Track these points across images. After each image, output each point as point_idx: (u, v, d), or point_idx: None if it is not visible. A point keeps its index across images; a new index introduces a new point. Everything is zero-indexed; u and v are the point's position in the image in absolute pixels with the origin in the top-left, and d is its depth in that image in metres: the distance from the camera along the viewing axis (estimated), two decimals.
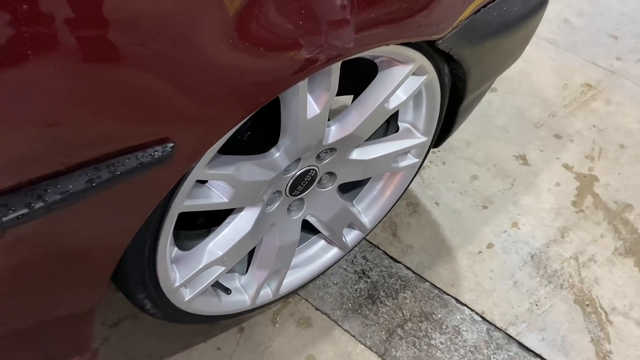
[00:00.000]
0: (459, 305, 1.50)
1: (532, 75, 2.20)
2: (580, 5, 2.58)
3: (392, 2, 0.86)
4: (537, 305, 1.51)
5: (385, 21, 0.86)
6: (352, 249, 1.49)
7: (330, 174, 1.23)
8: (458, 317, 1.48)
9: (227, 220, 1.10)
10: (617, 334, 1.47)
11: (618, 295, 1.55)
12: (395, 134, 1.28)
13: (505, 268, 1.59)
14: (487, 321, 1.47)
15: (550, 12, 2.50)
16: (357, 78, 1.15)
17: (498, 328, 1.46)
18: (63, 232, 0.74)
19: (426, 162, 1.82)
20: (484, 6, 1.08)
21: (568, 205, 1.76)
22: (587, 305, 1.53)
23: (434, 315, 1.47)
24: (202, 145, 0.82)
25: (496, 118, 2.02)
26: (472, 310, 1.49)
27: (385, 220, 1.64)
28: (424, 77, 1.11)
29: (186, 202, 0.92)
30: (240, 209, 1.10)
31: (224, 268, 1.12)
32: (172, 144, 0.75)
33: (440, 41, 1.01)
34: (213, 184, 0.99)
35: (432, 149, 1.39)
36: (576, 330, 1.47)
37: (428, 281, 1.54)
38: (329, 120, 1.10)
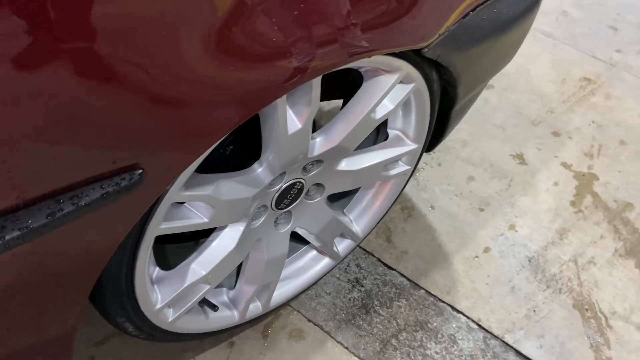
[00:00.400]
0: (454, 313, 1.46)
1: (530, 70, 2.15)
2: None
3: (366, 12, 0.81)
4: (535, 311, 1.48)
5: (363, 32, 0.82)
6: (345, 258, 1.45)
7: (318, 185, 1.19)
8: (454, 325, 1.44)
9: (210, 238, 1.06)
10: (617, 339, 1.44)
11: (618, 298, 1.51)
12: (385, 142, 1.24)
13: (503, 273, 1.55)
14: (484, 329, 1.44)
15: (548, 3, 2.44)
16: (345, 84, 1.11)
17: (495, 336, 1.43)
18: (28, 262, 0.71)
19: (421, 164, 1.78)
20: (473, 10, 1.03)
21: (567, 206, 1.72)
22: (587, 309, 1.49)
23: (429, 324, 1.43)
24: (175, 169, 0.78)
25: (493, 116, 1.97)
26: (468, 317, 1.45)
27: (380, 226, 1.60)
28: (411, 85, 1.06)
29: (162, 225, 0.88)
30: (224, 226, 1.06)
31: (209, 286, 1.09)
32: (140, 171, 0.72)
33: (427, 49, 0.97)
34: (192, 204, 0.95)
35: (425, 152, 1.35)
36: (575, 336, 1.44)
37: (423, 288, 1.50)
38: (316, 130, 1.06)
